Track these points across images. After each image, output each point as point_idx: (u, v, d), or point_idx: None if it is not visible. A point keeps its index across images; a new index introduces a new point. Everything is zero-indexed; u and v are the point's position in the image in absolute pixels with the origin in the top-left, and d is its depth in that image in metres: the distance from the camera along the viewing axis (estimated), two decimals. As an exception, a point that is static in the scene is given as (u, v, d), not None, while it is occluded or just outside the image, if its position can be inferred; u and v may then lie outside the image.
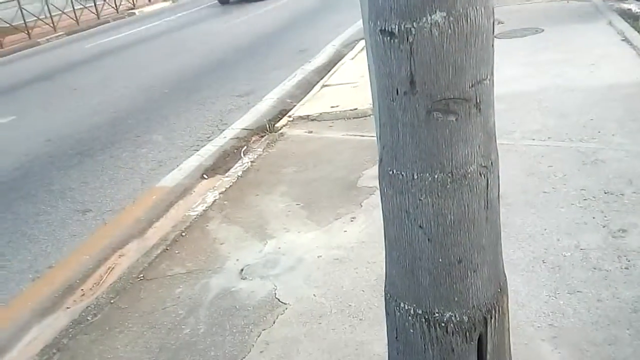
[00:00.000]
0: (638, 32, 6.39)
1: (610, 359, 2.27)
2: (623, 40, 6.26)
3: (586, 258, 2.87)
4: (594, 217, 3.17)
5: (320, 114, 5.80)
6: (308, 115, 5.83)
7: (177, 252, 3.67)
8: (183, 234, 3.88)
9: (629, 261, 2.79)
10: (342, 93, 6.39)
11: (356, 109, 5.64)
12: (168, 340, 2.85)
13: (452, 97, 1.36)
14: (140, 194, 4.87)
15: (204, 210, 4.17)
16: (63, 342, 2.99)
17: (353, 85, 6.55)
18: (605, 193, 3.38)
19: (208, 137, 5.98)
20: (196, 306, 3.08)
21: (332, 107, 5.90)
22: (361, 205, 3.80)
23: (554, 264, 2.88)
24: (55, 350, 2.94)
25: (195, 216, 4.10)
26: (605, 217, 3.16)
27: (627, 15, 7.48)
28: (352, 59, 7.94)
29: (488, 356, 1.63)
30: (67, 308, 3.41)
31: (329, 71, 7.66)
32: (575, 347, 2.35)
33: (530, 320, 2.54)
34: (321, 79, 7.34)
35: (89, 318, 3.14)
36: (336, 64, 7.99)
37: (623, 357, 2.26)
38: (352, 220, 3.65)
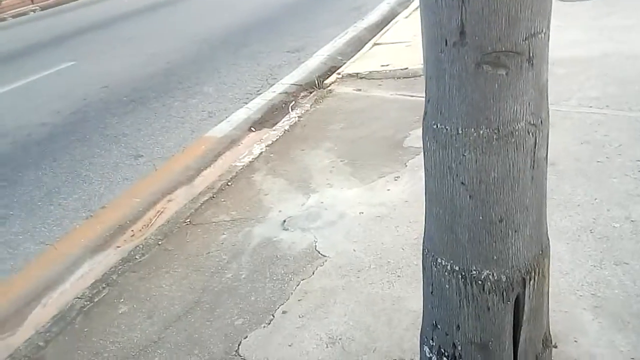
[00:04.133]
0: None
1: (652, 333, 2.22)
2: (698, 6, 5.86)
3: (636, 230, 2.78)
4: (648, 189, 3.06)
5: (370, 72, 5.72)
6: (357, 73, 5.76)
7: (222, 200, 3.76)
8: (229, 183, 3.97)
9: (681, 236, 2.69)
10: (393, 52, 6.27)
11: (407, 68, 5.54)
12: (211, 283, 2.96)
13: (503, 49, 1.31)
14: (190, 143, 4.99)
15: (250, 162, 4.24)
16: (112, 277, 3.15)
17: (406, 44, 6.41)
18: (663, 165, 3.24)
19: (257, 91, 6.02)
20: (239, 253, 3.17)
21: (382, 65, 5.81)
22: (406, 165, 3.78)
23: (601, 234, 2.80)
24: (105, 285, 3.10)
25: (241, 167, 4.18)
26: (661, 189, 3.04)
27: None
28: (406, 17, 7.75)
29: (524, 317, 1.63)
30: (118, 247, 3.58)
31: (381, 29, 7.51)
32: (617, 318, 2.31)
33: (573, 288, 2.50)
34: (373, 37, 7.21)
35: (137, 257, 3.29)
36: (389, 22, 7.82)
37: (666, 332, 2.21)
38: (396, 179, 3.64)
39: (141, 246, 3.40)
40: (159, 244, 3.38)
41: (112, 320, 2.83)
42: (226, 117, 5.41)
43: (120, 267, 3.24)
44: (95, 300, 3.01)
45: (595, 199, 3.06)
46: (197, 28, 9.61)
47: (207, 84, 6.51)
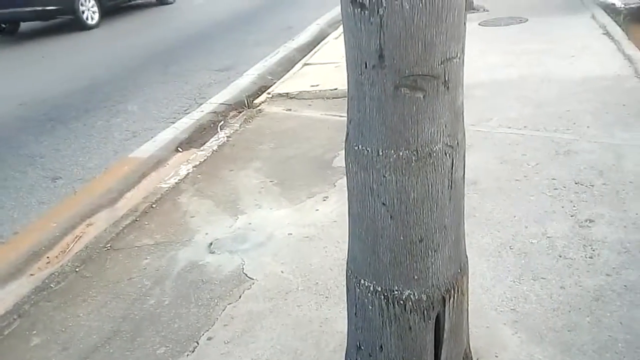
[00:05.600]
0: (619, 26, 6.43)
1: (568, 345, 2.30)
2: (604, 34, 6.30)
3: (552, 246, 2.90)
4: (562, 207, 3.21)
5: (300, 92, 5.75)
6: (287, 93, 5.78)
7: (146, 223, 3.63)
8: (154, 205, 3.84)
9: (593, 250, 2.83)
10: (323, 72, 6.34)
11: (336, 89, 5.60)
12: (132, 311, 2.82)
13: (420, 73, 1.34)
14: (112, 164, 4.79)
15: (176, 183, 4.13)
16: (24, 308, 2.95)
17: (335, 65, 6.50)
18: (576, 183, 3.42)
19: (185, 110, 5.90)
20: (163, 278, 3.05)
21: (312, 85, 5.85)
22: (335, 185, 3.79)
23: (520, 250, 2.90)
24: (16, 316, 2.90)
25: (167, 188, 4.05)
26: (574, 206, 3.20)
27: (610, 10, 7.53)
28: (336, 38, 7.87)
29: (445, 335, 1.64)
30: (31, 275, 3.35)
31: (311, 50, 7.59)
32: (535, 332, 2.38)
33: (494, 304, 2.57)
34: (303, 57, 7.27)
35: (52, 285, 3.10)
36: (319, 43, 7.92)
37: (581, 344, 2.29)
38: (324, 200, 3.64)
39: (57, 273, 3.21)
40: (76, 271, 3.21)
41: (24, 354, 2.64)
42: (152, 137, 5.24)
43: (33, 296, 3.04)
44: (6, 333, 2.80)
45: (514, 216, 3.18)
46: (124, 45, 9.36)
47: (131, 102, 6.31)
